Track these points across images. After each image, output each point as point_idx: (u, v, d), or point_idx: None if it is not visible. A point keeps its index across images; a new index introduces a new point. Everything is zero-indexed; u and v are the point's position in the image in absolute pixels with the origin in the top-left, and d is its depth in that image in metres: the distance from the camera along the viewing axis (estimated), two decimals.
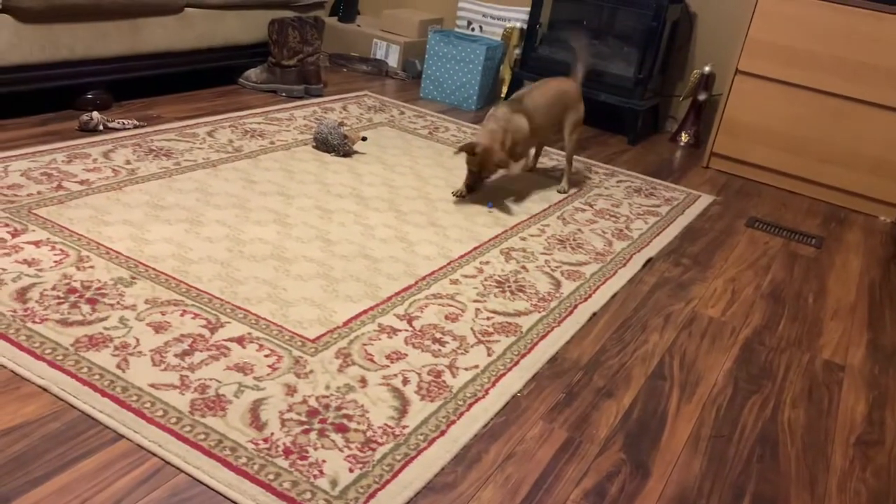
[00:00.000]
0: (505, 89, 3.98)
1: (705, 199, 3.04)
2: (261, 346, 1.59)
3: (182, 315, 1.65)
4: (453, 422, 1.47)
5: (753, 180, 3.45)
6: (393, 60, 4.15)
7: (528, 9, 3.82)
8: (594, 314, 2.00)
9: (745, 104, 3.35)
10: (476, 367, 1.66)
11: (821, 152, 3.26)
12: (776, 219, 3.00)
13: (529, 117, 2.57)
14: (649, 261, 2.38)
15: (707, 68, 3.68)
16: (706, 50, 3.83)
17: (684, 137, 3.80)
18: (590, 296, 2.07)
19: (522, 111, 2.56)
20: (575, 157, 3.28)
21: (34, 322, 1.55)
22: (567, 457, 1.45)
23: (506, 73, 4.03)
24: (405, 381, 1.57)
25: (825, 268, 2.59)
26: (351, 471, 1.30)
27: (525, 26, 3.92)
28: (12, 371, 1.41)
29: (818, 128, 3.24)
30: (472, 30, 4.25)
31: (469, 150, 2.47)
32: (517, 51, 3.99)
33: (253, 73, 3.45)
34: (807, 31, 3.15)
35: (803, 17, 3.15)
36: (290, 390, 1.47)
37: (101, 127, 2.63)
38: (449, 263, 2.11)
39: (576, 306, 2.00)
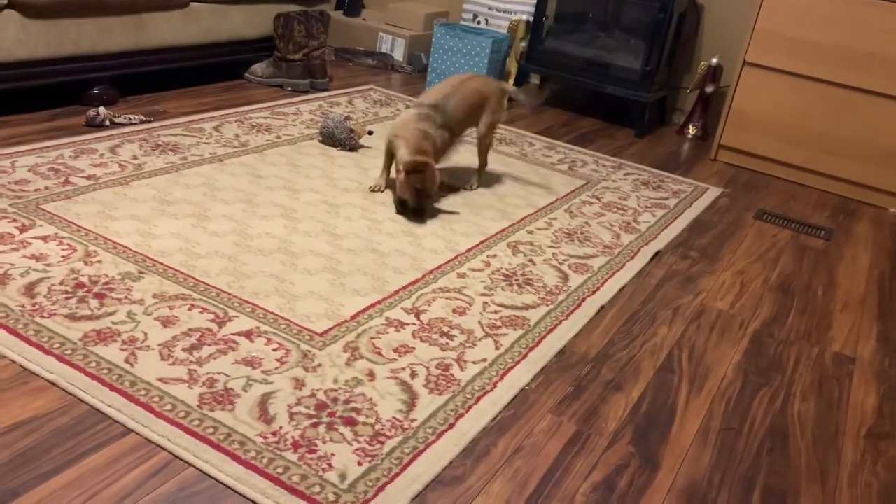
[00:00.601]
0: (511, 82, 3.97)
1: (713, 192, 3.03)
2: (269, 339, 1.59)
3: (190, 309, 1.65)
4: (461, 415, 1.47)
5: (761, 172, 3.43)
6: (398, 54, 4.14)
7: (534, 1, 3.80)
8: (602, 307, 1.99)
9: (753, 96, 3.33)
10: (484, 360, 1.66)
11: (830, 144, 3.24)
12: (785, 211, 2.98)
13: (449, 128, 2.42)
14: (657, 254, 2.37)
15: (714, 60, 3.66)
16: (713, 42, 3.81)
17: (692, 130, 3.79)
18: (598, 289, 2.06)
19: (442, 125, 2.39)
20: (581, 149, 3.27)
21: (42, 317, 1.55)
22: (576, 450, 1.45)
23: (512, 66, 4.02)
24: (413, 375, 1.56)
25: (834, 260, 2.58)
26: (360, 464, 1.30)
27: (531, 19, 3.90)
28: (21, 366, 1.41)
29: (827, 119, 3.22)
30: (478, 23, 4.23)
31: (415, 167, 2.24)
32: (523, 43, 3.97)
33: (259, 68, 3.44)
34: (815, 21, 3.13)
35: (811, 7, 3.12)
36: (299, 384, 1.47)
37: (107, 122, 2.63)
38: (456, 257, 2.11)
39: (584, 299, 1.99)
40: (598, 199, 2.73)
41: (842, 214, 3.06)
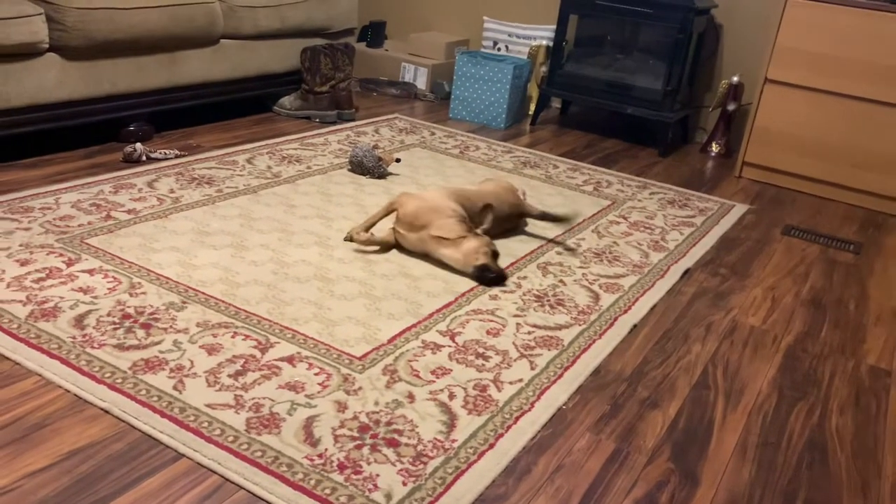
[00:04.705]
0: (533, 107, 4.02)
1: (739, 209, 3.04)
2: (310, 364, 1.63)
3: (233, 337, 1.70)
4: (501, 435, 1.50)
5: (787, 188, 3.43)
6: (421, 83, 4.21)
7: (554, 27, 3.86)
8: (635, 326, 2.01)
9: (776, 112, 3.35)
10: (520, 380, 1.68)
11: (855, 158, 3.25)
12: (812, 226, 2.98)
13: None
14: (687, 271, 2.39)
15: (735, 78, 3.69)
16: (734, 60, 3.84)
17: (715, 148, 3.80)
18: (629, 308, 2.08)
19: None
20: (605, 170, 3.30)
21: (92, 347, 1.60)
22: (616, 467, 1.46)
23: (533, 91, 4.07)
24: (451, 396, 1.59)
25: (865, 273, 2.58)
26: (404, 484, 1.33)
27: (551, 44, 3.96)
28: (76, 395, 1.46)
29: (850, 133, 3.23)
30: (499, 49, 4.30)
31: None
32: (543, 68, 4.03)
33: (287, 101, 3.53)
34: (834, 36, 3.15)
35: (830, 23, 3.15)
36: (341, 407, 1.51)
37: (144, 158, 2.71)
38: None
39: (616, 318, 2.01)
40: (625, 218, 2.76)
41: (870, 228, 3.06)
